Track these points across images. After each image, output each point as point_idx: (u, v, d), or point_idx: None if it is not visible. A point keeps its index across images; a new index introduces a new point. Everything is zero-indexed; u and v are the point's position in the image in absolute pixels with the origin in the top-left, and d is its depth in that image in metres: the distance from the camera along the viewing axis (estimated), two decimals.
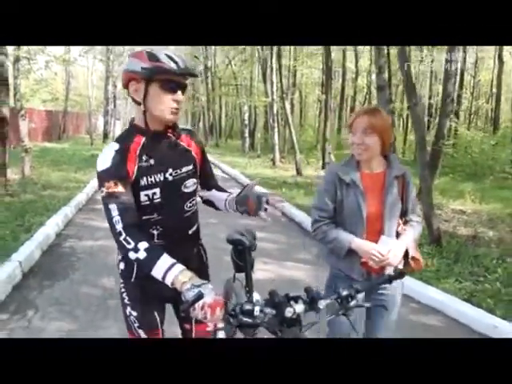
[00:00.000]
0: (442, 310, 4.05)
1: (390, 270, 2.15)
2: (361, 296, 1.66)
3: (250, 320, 1.46)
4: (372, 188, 2.19)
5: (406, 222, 2.29)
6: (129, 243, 1.63)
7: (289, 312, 1.48)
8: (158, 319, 1.97)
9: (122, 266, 1.94)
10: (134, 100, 1.77)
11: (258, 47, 16.92)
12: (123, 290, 1.96)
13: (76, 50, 19.85)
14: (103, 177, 1.70)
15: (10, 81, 9.22)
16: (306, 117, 32.67)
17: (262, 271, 4.79)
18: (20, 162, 10.27)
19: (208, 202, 2.12)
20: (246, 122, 23.43)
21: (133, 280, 1.92)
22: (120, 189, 1.69)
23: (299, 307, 1.51)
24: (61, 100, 24.80)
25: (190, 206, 1.95)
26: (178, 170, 1.86)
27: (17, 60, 10.16)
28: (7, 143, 8.38)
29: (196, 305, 1.43)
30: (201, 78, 33.15)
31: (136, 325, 1.94)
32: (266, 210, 1.86)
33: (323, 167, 13.67)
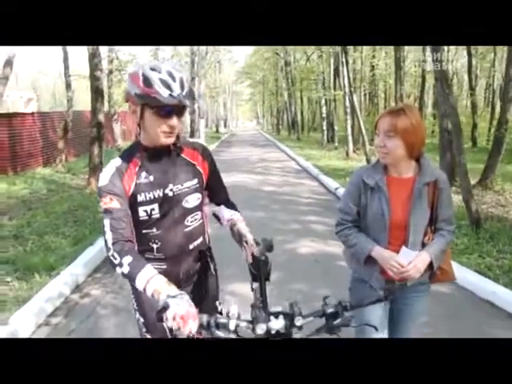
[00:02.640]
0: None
1: (411, 282, 2.05)
2: (348, 314, 1.53)
3: (222, 334, 1.41)
4: (398, 194, 2.03)
5: (435, 231, 2.11)
6: (115, 258, 1.63)
7: (261, 329, 1.40)
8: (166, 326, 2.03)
9: None
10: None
11: None
12: (132, 295, 1.97)
13: (160, 57, 21.39)
14: (101, 192, 1.72)
15: (105, 90, 10.54)
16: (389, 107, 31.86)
17: (307, 248, 5.50)
18: None
19: (216, 216, 2.08)
20: (324, 115, 23.83)
21: None
22: (114, 205, 1.69)
23: (277, 323, 1.43)
24: None
25: (192, 221, 1.91)
26: (180, 186, 1.84)
27: (110, 73, 11.66)
28: (103, 144, 9.65)
29: (168, 315, 1.36)
30: (282, 73, 33.91)
31: (144, 330, 1.95)
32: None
33: None
